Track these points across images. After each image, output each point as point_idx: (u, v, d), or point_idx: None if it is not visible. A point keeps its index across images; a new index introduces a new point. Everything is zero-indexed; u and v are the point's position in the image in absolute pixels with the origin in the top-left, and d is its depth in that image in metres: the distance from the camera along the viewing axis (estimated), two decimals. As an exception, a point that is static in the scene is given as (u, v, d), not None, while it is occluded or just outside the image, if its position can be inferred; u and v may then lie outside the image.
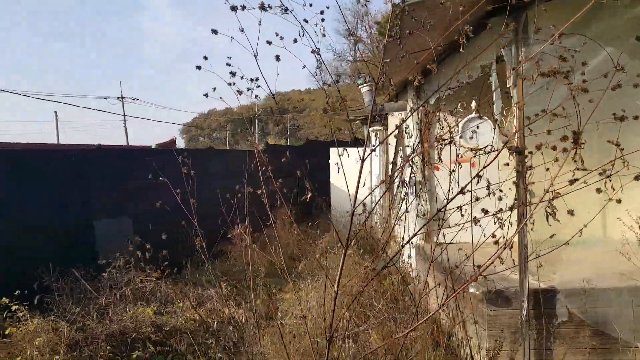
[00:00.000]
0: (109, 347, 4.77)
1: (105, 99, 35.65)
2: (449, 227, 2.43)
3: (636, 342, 3.78)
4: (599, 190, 1.83)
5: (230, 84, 2.25)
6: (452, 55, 4.83)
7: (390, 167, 8.58)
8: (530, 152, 2.14)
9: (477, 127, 4.01)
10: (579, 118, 1.82)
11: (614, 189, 1.89)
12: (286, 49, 2.10)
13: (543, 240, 2.57)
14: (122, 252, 6.14)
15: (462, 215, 2.34)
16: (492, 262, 1.97)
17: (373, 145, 9.60)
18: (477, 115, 4.64)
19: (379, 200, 3.48)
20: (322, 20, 2.10)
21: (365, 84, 7.54)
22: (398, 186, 4.03)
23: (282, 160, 2.32)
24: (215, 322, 5.26)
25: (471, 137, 3.56)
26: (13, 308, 4.89)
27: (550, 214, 1.93)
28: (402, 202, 2.67)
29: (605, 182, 1.83)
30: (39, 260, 5.95)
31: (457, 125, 4.50)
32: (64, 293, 5.83)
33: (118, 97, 38.01)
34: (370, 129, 9.67)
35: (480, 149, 2.67)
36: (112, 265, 6.17)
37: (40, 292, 5.37)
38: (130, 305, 5.61)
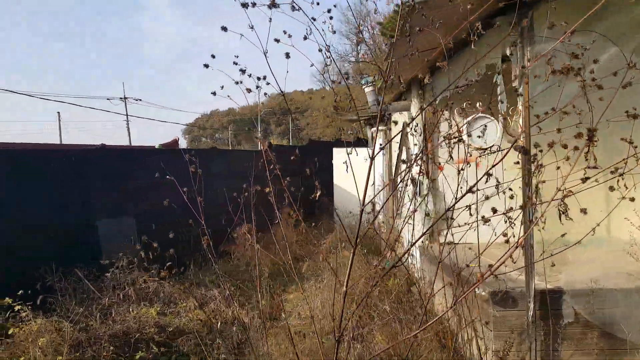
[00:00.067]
0: (112, 348, 4.75)
1: (108, 99, 35.67)
2: (458, 226, 2.40)
3: (645, 343, 3.75)
4: (611, 189, 1.80)
5: (237, 82, 2.23)
6: (456, 54, 4.80)
7: (393, 166, 8.56)
8: (540, 151, 2.12)
9: (483, 127, 3.98)
10: (592, 115, 1.80)
11: (627, 188, 1.86)
12: (294, 47, 2.08)
13: (553, 240, 2.54)
14: (125, 252, 6.13)
15: (471, 215, 2.32)
16: (504, 262, 1.95)
17: (381, 144, 9.59)
18: (482, 114, 4.61)
19: (386, 200, 3.45)
20: (331, 18, 2.08)
21: (369, 84, 7.50)
22: (403, 186, 4.00)
23: (292, 157, 2.30)
24: (219, 323, 5.24)
25: (479, 136, 3.53)
26: (16, 308, 4.87)
27: (563, 213, 1.90)
28: (411, 202, 2.65)
29: (618, 181, 1.80)
30: (41, 260, 5.93)
31: (464, 124, 4.47)
32: (66, 293, 5.81)
33: (121, 98, 38.10)
34: (374, 129, 9.66)
35: (486, 149, 2.65)
36: (115, 265, 6.15)
37: (43, 292, 5.35)
38: (133, 306, 5.60)
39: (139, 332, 5.09)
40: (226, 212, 3.53)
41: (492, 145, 2.72)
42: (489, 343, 3.92)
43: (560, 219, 1.94)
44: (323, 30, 2.09)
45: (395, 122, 8.73)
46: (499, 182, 2.27)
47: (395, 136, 7.05)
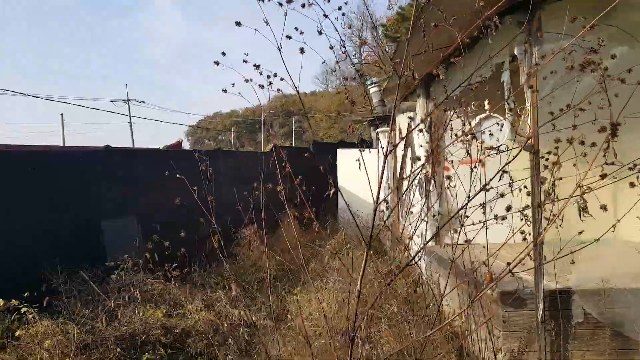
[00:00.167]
0: (118, 350, 4.74)
1: (111, 101, 35.67)
2: (472, 224, 2.38)
3: (657, 343, 3.71)
4: (632, 185, 1.78)
5: (247, 80, 2.22)
6: (465, 52, 4.79)
7: (398, 167, 8.54)
8: (556, 147, 2.10)
9: (493, 126, 3.96)
10: (611, 111, 1.78)
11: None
12: (306, 44, 2.07)
13: (564, 239, 2.51)
14: (131, 253, 6.12)
15: (484, 214, 2.30)
16: (521, 260, 1.93)
17: (389, 144, 9.55)
18: (490, 114, 4.60)
19: (397, 202, 3.43)
20: (343, 14, 2.07)
21: (374, 84, 7.49)
22: (411, 186, 3.98)
23: (305, 155, 2.29)
24: (226, 324, 5.22)
25: (490, 135, 3.51)
26: (22, 310, 4.86)
27: (583, 210, 1.88)
28: (422, 202, 2.63)
29: (638, 177, 1.77)
30: (46, 261, 5.91)
31: (474, 124, 4.46)
32: (72, 295, 5.80)
33: (124, 100, 38.17)
34: (380, 129, 9.66)
35: (496, 148, 2.63)
36: (120, 267, 6.14)
37: (48, 294, 5.34)
38: (139, 308, 5.58)
39: (146, 334, 5.08)
40: (231, 213, 3.50)
41: (501, 145, 2.70)
42: (499, 343, 3.89)
43: (580, 216, 1.92)
44: (335, 28, 2.09)
45: (399, 123, 8.72)
46: (512, 180, 2.25)
47: (411, 131, 6.98)
